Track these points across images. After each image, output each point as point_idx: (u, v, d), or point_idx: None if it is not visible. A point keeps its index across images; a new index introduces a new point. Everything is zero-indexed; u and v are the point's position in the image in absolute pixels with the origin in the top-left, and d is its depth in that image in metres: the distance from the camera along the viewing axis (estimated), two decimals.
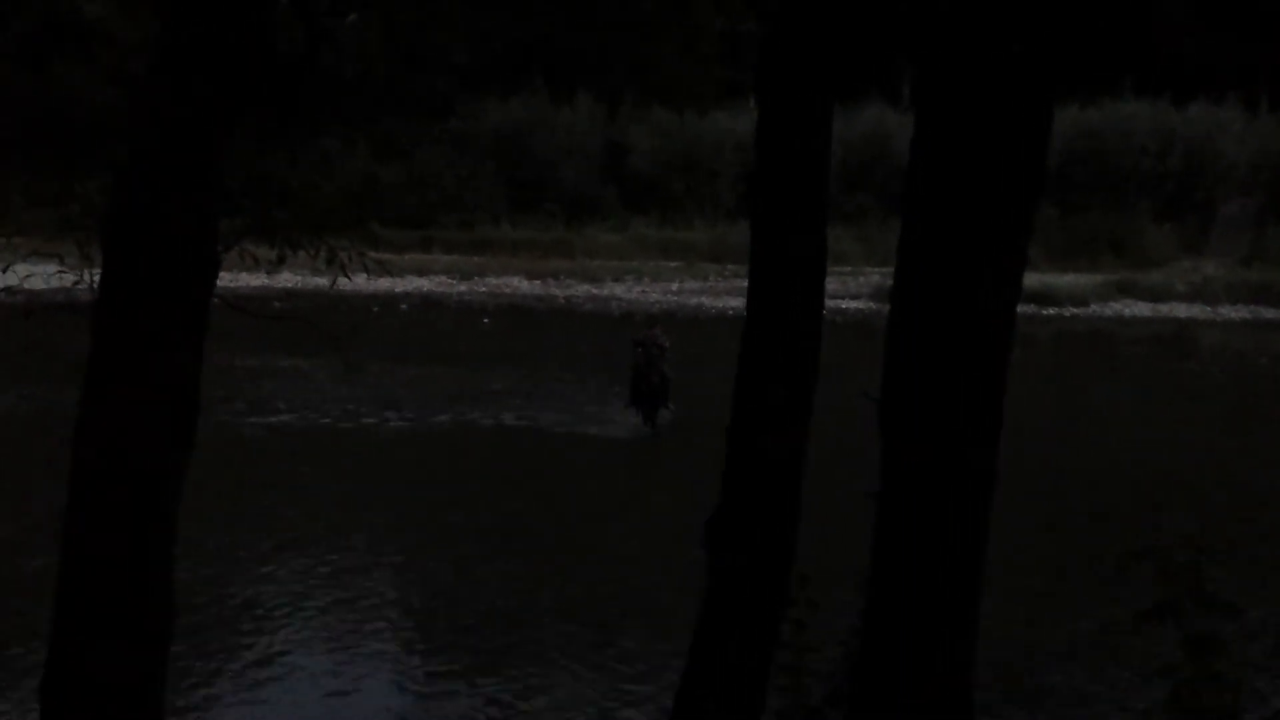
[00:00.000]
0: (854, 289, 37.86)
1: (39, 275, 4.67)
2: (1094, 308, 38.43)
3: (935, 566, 4.08)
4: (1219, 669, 3.71)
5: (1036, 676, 8.97)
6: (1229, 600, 3.82)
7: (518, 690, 8.63)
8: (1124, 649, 8.75)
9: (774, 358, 4.99)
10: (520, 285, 41.42)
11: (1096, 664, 9.14)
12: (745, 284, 5.19)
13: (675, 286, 41.66)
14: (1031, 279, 4.52)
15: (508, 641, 9.53)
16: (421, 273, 40.32)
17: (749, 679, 5.07)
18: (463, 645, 9.50)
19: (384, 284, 30.55)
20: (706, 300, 38.23)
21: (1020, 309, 4.26)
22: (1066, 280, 39.39)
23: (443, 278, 41.28)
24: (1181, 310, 39.04)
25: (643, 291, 40.57)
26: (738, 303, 32.02)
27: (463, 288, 40.33)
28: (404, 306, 34.81)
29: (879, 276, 37.71)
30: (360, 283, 5.80)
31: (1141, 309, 38.93)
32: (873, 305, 34.63)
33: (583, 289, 40.80)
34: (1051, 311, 35.93)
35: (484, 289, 40.42)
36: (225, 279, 4.34)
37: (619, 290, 40.83)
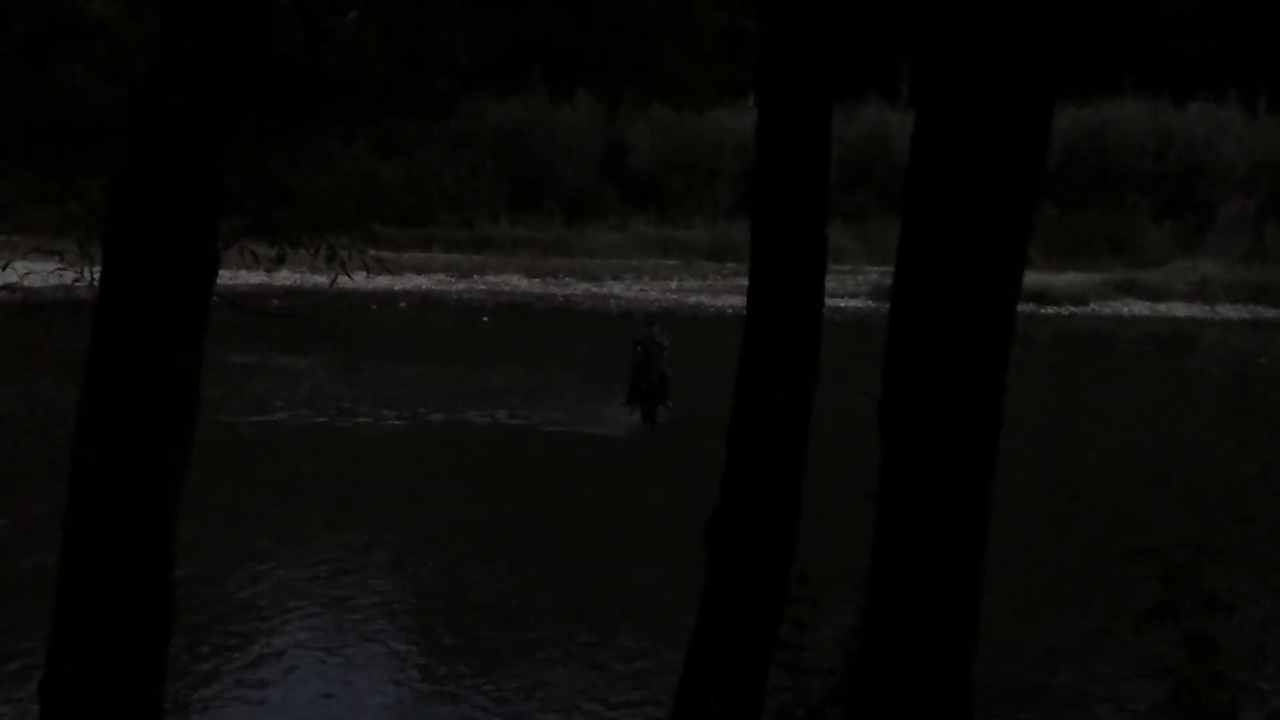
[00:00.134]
0: (853, 288, 37.84)
1: (39, 273, 4.67)
2: (1093, 307, 38.43)
3: (935, 566, 4.09)
4: (1219, 669, 3.71)
5: (1036, 676, 8.97)
6: (1229, 600, 3.82)
7: (515, 690, 8.63)
8: (1123, 649, 8.76)
9: (774, 357, 5.00)
10: (519, 284, 41.40)
11: (1096, 664, 9.14)
12: (744, 283, 5.20)
13: (674, 285, 41.65)
14: (1031, 278, 4.52)
15: (505, 641, 9.53)
16: (421, 271, 40.30)
17: (749, 678, 5.08)
18: (459, 644, 9.50)
19: (383, 282, 30.54)
20: (705, 299, 38.22)
21: (1019, 308, 4.26)
22: (1066, 279, 39.39)
23: (442, 276, 41.27)
24: (1180, 310, 39.04)
25: (642, 290, 40.56)
26: (737, 301, 32.05)
27: (462, 286, 40.31)
28: (403, 304, 34.79)
29: (878, 275, 37.71)
30: (359, 281, 5.79)
31: (1141, 308, 38.94)
32: (871, 304, 34.62)
33: (582, 287, 40.78)
34: (1050, 310, 35.93)
35: (483, 287, 40.41)
36: (224, 276, 4.34)
37: (618, 289, 40.82)
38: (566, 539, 12.18)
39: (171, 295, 4.08)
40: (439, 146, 48.23)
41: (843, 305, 34.35)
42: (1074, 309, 37.51)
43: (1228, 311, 38.91)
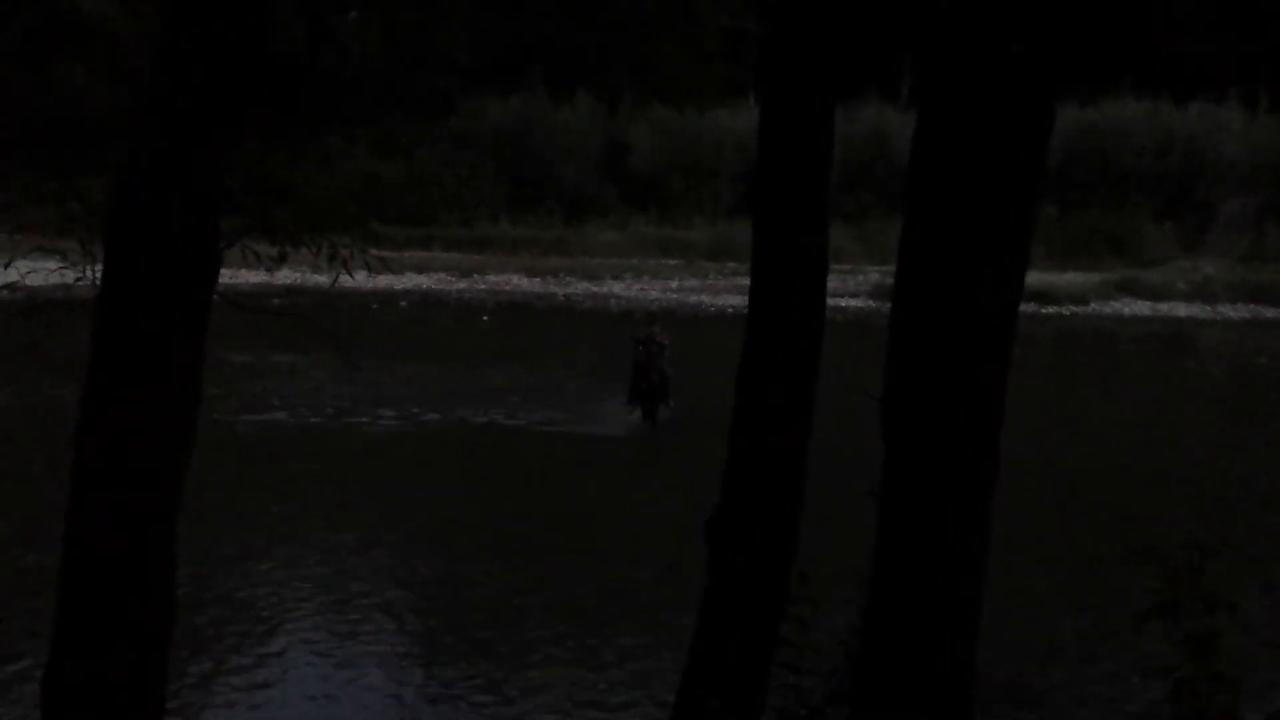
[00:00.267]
0: (853, 287, 37.84)
1: (40, 272, 4.67)
2: (1094, 306, 38.42)
3: (936, 565, 4.09)
4: (1219, 668, 3.71)
5: (1036, 676, 8.97)
6: (1230, 599, 3.82)
7: (515, 690, 8.63)
8: (1124, 649, 8.76)
9: (775, 356, 5.00)
10: (520, 283, 41.41)
11: (1096, 664, 9.14)
12: (745, 282, 5.20)
13: (675, 284, 41.65)
14: (1031, 277, 4.52)
15: (504, 641, 9.53)
16: (421, 270, 40.30)
17: (750, 677, 5.08)
18: (459, 644, 9.50)
19: (384, 281, 30.56)
20: (706, 298, 38.23)
21: (1020, 308, 4.26)
22: (1066, 279, 39.39)
23: (442, 275, 41.27)
24: (1181, 309, 39.04)
25: (642, 289, 40.56)
26: (737, 301, 32.07)
27: (462, 285, 40.32)
28: (403, 304, 34.80)
29: (878, 275, 37.71)
30: (360, 280, 5.79)
31: (1141, 308, 38.93)
32: (872, 304, 34.61)
33: (582, 287, 40.78)
34: (1051, 310, 35.93)
35: (483, 286, 40.41)
36: (225, 275, 4.34)
37: (618, 288, 40.83)
38: (566, 538, 12.19)
39: (173, 294, 4.08)
40: (439, 146, 48.23)
41: (843, 305, 34.34)
42: (1074, 309, 37.50)
43: (1228, 311, 38.91)
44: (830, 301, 5.35)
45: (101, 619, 4.08)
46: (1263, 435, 19.12)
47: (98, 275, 4.20)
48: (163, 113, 4.03)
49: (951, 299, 4.06)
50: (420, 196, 45.05)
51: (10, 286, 4.92)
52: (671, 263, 45.21)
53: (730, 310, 33.01)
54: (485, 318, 33.02)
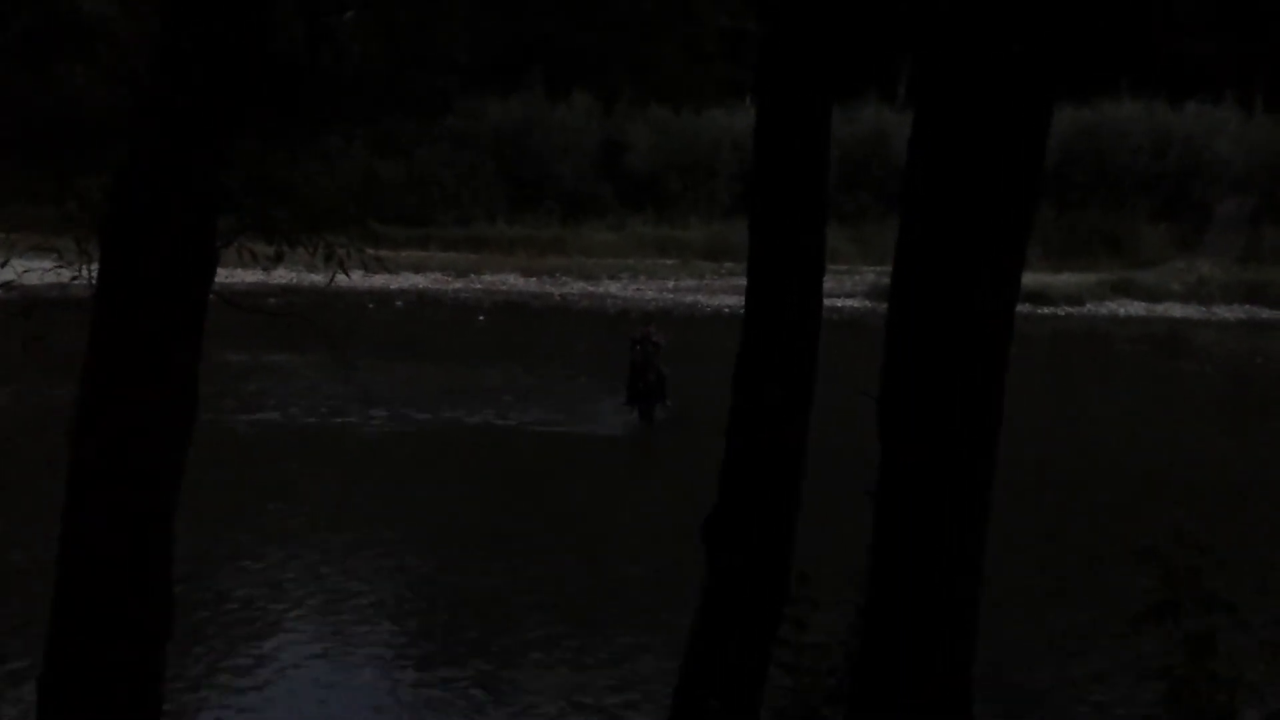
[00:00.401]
0: (850, 288, 37.83)
1: (37, 271, 4.67)
2: (1090, 307, 38.43)
3: (934, 565, 4.09)
4: (1217, 668, 3.71)
5: (1035, 676, 8.98)
6: (1228, 599, 3.83)
7: (512, 690, 8.63)
8: (1123, 649, 8.76)
9: (772, 356, 5.00)
10: (516, 282, 41.38)
11: (1095, 664, 9.14)
12: (741, 282, 5.20)
13: (671, 284, 41.64)
14: (1027, 278, 4.52)
15: (501, 640, 9.53)
16: (418, 270, 40.26)
17: (748, 677, 5.08)
18: (455, 644, 9.48)
19: (380, 280, 30.50)
20: (702, 298, 38.22)
21: (1017, 308, 4.26)
22: (1062, 279, 39.38)
23: (439, 275, 41.24)
24: (1177, 310, 39.06)
25: (639, 289, 40.55)
26: (734, 301, 32.06)
27: (459, 285, 40.29)
28: (400, 303, 34.78)
29: (875, 275, 37.69)
30: (356, 279, 5.79)
31: (1137, 308, 38.94)
32: (869, 304, 34.61)
33: (579, 286, 40.77)
34: (1047, 311, 35.92)
35: (480, 286, 40.39)
36: (220, 275, 4.34)
37: (615, 288, 40.82)
38: (563, 538, 12.18)
39: (170, 294, 4.08)
40: (438, 146, 48.19)
41: (840, 305, 34.33)
42: (1070, 309, 37.51)
43: (1224, 312, 38.93)
44: (827, 302, 5.36)
45: (99, 619, 4.07)
46: (1259, 435, 19.14)
47: (94, 274, 4.20)
48: (161, 112, 4.02)
49: (948, 299, 4.06)
50: (419, 196, 45.00)
51: (6, 286, 4.91)
52: (668, 263, 45.19)
53: (727, 310, 33.00)
54: (481, 317, 33.00)
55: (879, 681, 4.19)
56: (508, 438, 17.22)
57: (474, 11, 43.29)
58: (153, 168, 4.01)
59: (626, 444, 17.21)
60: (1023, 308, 4.73)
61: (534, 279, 41.78)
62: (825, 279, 5.15)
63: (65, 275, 4.61)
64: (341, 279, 5.48)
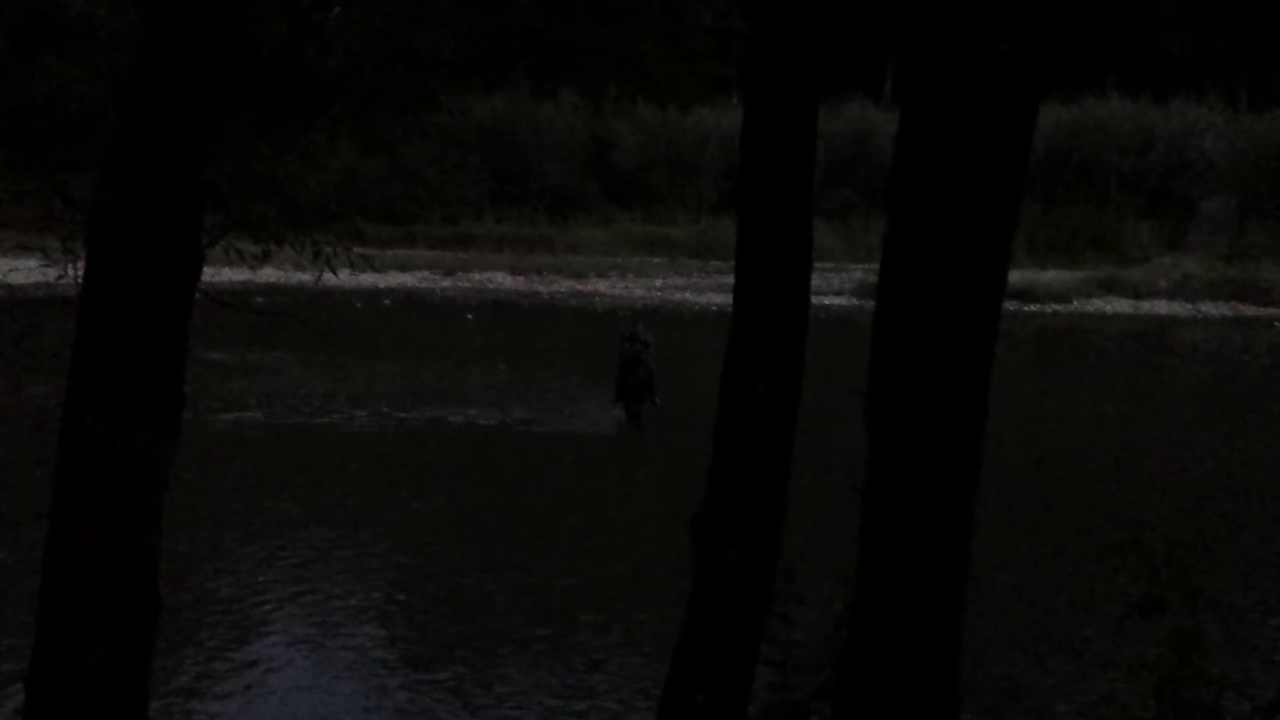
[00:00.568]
0: (837, 285, 37.87)
1: (22, 270, 4.65)
2: (1075, 304, 38.53)
3: (921, 562, 4.10)
4: (1203, 664, 3.73)
5: (1021, 672, 9.01)
6: (1214, 595, 3.85)
7: (496, 688, 8.61)
8: (1110, 644, 8.80)
9: (760, 354, 5.00)
10: (504, 281, 41.36)
11: (1081, 659, 9.18)
12: (729, 280, 5.21)
13: (659, 282, 41.65)
14: (1013, 275, 4.53)
15: (486, 638, 9.52)
16: (405, 268, 40.21)
17: (736, 674, 5.08)
18: (438, 643, 9.48)
19: (367, 279, 30.45)
20: (690, 296, 38.24)
21: (1003, 305, 4.28)
22: (1048, 277, 39.49)
23: (426, 273, 41.19)
24: (1162, 307, 39.20)
25: (626, 287, 40.56)
26: (721, 298, 32.08)
27: (446, 283, 40.24)
28: (387, 302, 34.73)
29: (862, 273, 37.76)
30: (343, 278, 5.79)
31: (1123, 306, 39.07)
32: (855, 301, 34.66)
33: (566, 284, 40.76)
34: (1034, 308, 36.03)
35: (467, 284, 40.35)
36: (206, 274, 4.33)
37: (602, 286, 40.82)
38: (549, 536, 12.18)
39: (156, 292, 4.07)
40: (423, 143, 48.07)
41: (827, 303, 34.36)
42: (1056, 306, 37.61)
43: (1209, 309, 39.07)
44: (815, 300, 5.36)
45: (86, 619, 4.06)
46: (1244, 431, 19.23)
47: (79, 273, 4.18)
48: (146, 109, 4.01)
49: (935, 296, 4.07)
50: (404, 193, 44.93)
51: None
52: (656, 260, 45.21)
53: (714, 308, 33.03)
54: (470, 316, 32.97)
55: (865, 677, 4.20)
56: (495, 436, 17.20)
57: (460, 8, 43.22)
58: (138, 165, 4.00)
59: (614, 442, 17.21)
60: (1009, 305, 4.75)
61: (522, 277, 41.76)
62: (813, 276, 5.15)
63: (51, 274, 4.60)
64: (329, 278, 5.49)
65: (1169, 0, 48.47)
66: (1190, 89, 47.77)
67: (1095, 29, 40.15)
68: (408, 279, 39.45)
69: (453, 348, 25.56)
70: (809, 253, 5.10)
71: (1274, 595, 10.84)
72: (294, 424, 17.31)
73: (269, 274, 21.80)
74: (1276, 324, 35.64)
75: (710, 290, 37.67)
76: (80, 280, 4.15)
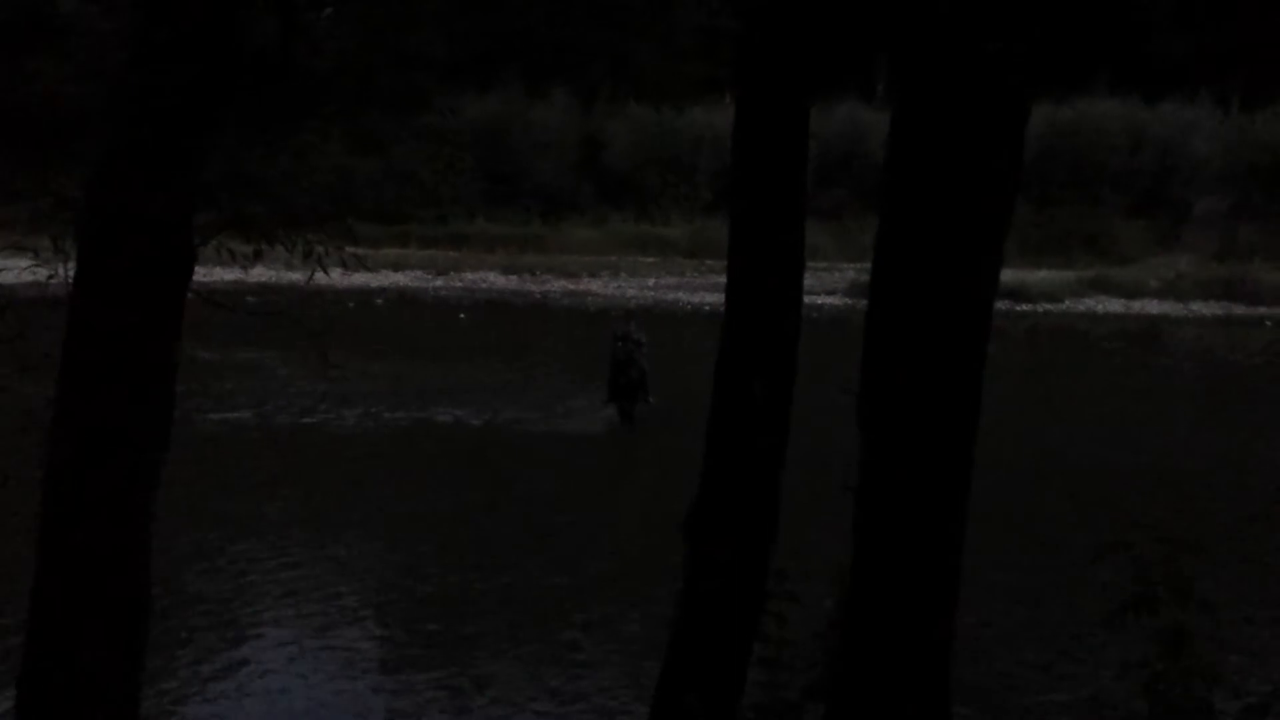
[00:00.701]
0: (829, 285, 37.87)
1: (13, 270, 4.64)
2: (1067, 304, 38.59)
3: (913, 561, 4.11)
4: (1193, 662, 3.74)
5: (1013, 669, 9.02)
6: (1204, 594, 3.86)
7: (487, 688, 8.61)
8: (1098, 642, 8.81)
9: (753, 353, 5.01)
10: (497, 280, 41.32)
11: (1072, 657, 9.18)
12: (722, 279, 5.21)
13: (651, 282, 41.64)
14: (1005, 275, 4.55)
15: (477, 639, 9.52)
16: (397, 267, 40.16)
17: (728, 673, 5.09)
18: (427, 643, 9.47)
19: (360, 279, 30.37)
20: (683, 295, 38.24)
21: (994, 305, 4.29)
22: (1040, 276, 39.53)
23: (419, 273, 41.15)
24: (1154, 307, 39.27)
25: (619, 287, 40.54)
26: (714, 298, 32.07)
27: (439, 283, 40.20)
28: (380, 301, 34.69)
29: (854, 272, 37.76)
30: (336, 278, 5.78)
31: (1114, 305, 39.13)
32: (848, 301, 34.67)
33: (559, 284, 40.74)
34: (1025, 308, 36.07)
35: (460, 284, 40.30)
36: (198, 274, 4.33)
37: (595, 285, 40.80)
38: (539, 536, 12.17)
39: (147, 292, 4.06)
40: (416, 142, 48.03)
41: (820, 303, 34.38)
42: (1048, 306, 37.67)
43: (1200, 309, 39.15)
44: (807, 299, 5.37)
45: (77, 619, 4.05)
46: (1235, 430, 19.27)
47: (70, 273, 4.17)
48: (138, 109, 4.00)
49: (927, 296, 4.08)
50: (397, 193, 44.88)
51: None
52: (649, 260, 45.20)
53: (707, 308, 33.02)
54: (462, 315, 32.94)
55: (858, 675, 4.21)
56: (488, 435, 17.19)
57: (452, 8, 43.21)
58: (129, 164, 3.99)
59: (606, 441, 17.20)
60: (1002, 305, 4.75)
61: (514, 277, 41.73)
62: (805, 276, 5.16)
63: (42, 274, 4.58)
64: (321, 277, 5.48)
65: (1162, 1, 48.54)
66: (1182, 89, 47.86)
67: (1087, 29, 40.19)
68: (400, 279, 39.40)
69: (445, 347, 25.53)
70: (802, 252, 5.10)
71: (1265, 593, 10.87)
72: (285, 424, 17.27)
73: (261, 274, 21.76)
74: (1268, 323, 35.73)
75: (703, 290, 37.67)
76: (71, 281, 4.14)
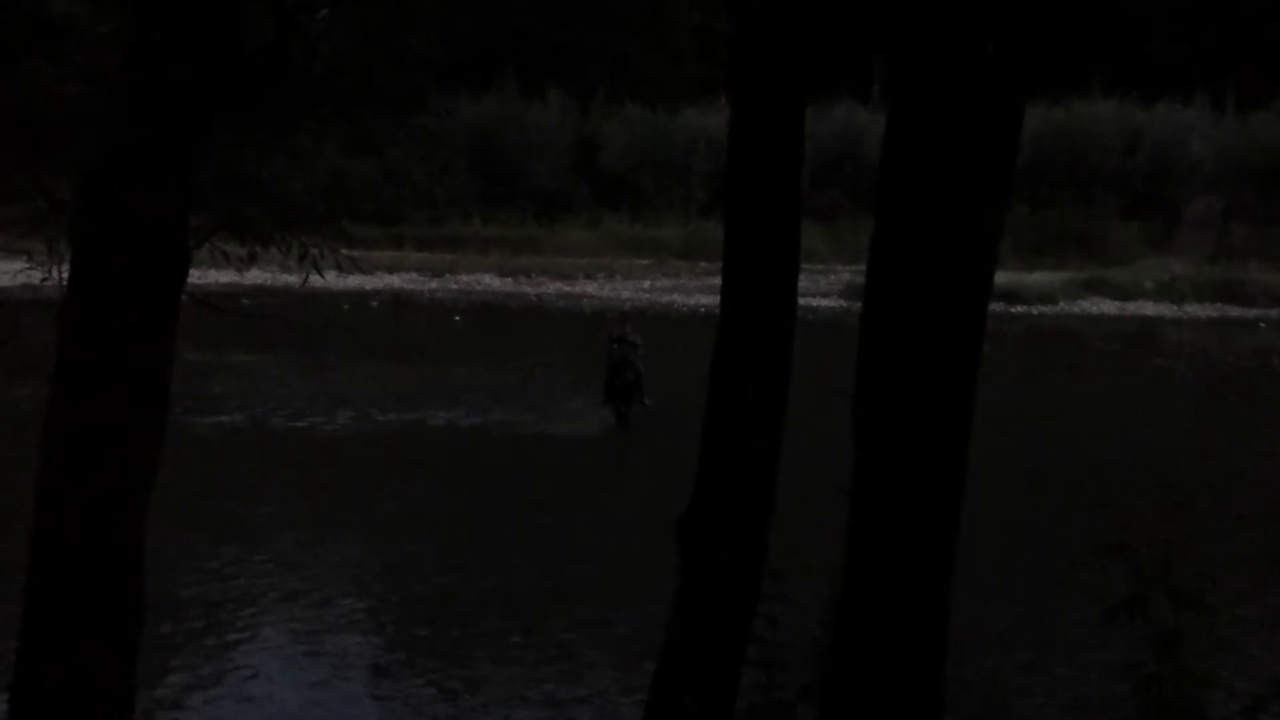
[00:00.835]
0: (825, 287, 37.88)
1: (6, 272, 4.63)
2: (1062, 305, 38.61)
3: (907, 562, 4.11)
4: (1186, 663, 3.75)
5: (1006, 671, 9.03)
6: (1197, 595, 3.86)
7: (481, 690, 8.61)
8: (1092, 644, 8.82)
9: (748, 355, 5.01)
10: (492, 282, 41.30)
11: (1065, 659, 9.20)
12: (717, 281, 5.21)
13: (647, 284, 41.63)
14: (1000, 276, 4.56)
15: (470, 642, 9.51)
16: (392, 270, 40.11)
17: (723, 674, 5.09)
18: (419, 645, 9.47)
19: (355, 281, 30.38)
20: (678, 297, 38.24)
21: (989, 307, 4.29)
22: (1034, 278, 39.55)
23: (414, 275, 41.10)
24: (1148, 308, 39.30)
25: (614, 289, 40.53)
26: (709, 300, 32.00)
27: (434, 285, 40.17)
28: (375, 304, 34.66)
29: (849, 274, 37.76)
30: (331, 280, 5.77)
31: (1109, 307, 39.16)
32: (843, 303, 34.67)
33: (554, 286, 40.72)
34: (1020, 309, 36.09)
35: (455, 286, 40.27)
36: (193, 276, 4.32)
37: (590, 287, 40.79)
38: (534, 538, 12.17)
39: (141, 294, 4.06)
40: (411, 144, 47.96)
41: (815, 305, 34.39)
42: (1043, 308, 37.69)
43: (1195, 310, 39.19)
44: (802, 301, 5.37)
45: (70, 622, 4.05)
46: (1229, 432, 19.30)
47: (64, 275, 4.17)
48: (132, 110, 4.00)
49: (922, 298, 4.09)
50: (392, 194, 44.83)
51: None
52: (644, 262, 45.18)
53: (702, 309, 33.01)
54: (457, 317, 32.93)
55: (852, 677, 4.21)
56: (483, 437, 17.18)
57: (447, 9, 43.20)
58: (124, 166, 3.99)
59: (602, 443, 17.20)
60: (996, 306, 4.76)
61: (510, 279, 41.71)
62: (800, 278, 5.16)
63: (36, 277, 4.58)
64: (316, 280, 5.47)
65: (1157, 2, 48.61)
66: (1177, 91, 47.91)
67: (1082, 30, 40.24)
68: (395, 281, 39.37)
69: (440, 349, 25.52)
70: (797, 254, 5.11)
71: (1257, 595, 10.88)
72: (279, 426, 17.25)
73: (255, 276, 21.74)
74: (1261, 325, 35.78)
75: (698, 291, 37.66)
76: (65, 283, 4.13)
